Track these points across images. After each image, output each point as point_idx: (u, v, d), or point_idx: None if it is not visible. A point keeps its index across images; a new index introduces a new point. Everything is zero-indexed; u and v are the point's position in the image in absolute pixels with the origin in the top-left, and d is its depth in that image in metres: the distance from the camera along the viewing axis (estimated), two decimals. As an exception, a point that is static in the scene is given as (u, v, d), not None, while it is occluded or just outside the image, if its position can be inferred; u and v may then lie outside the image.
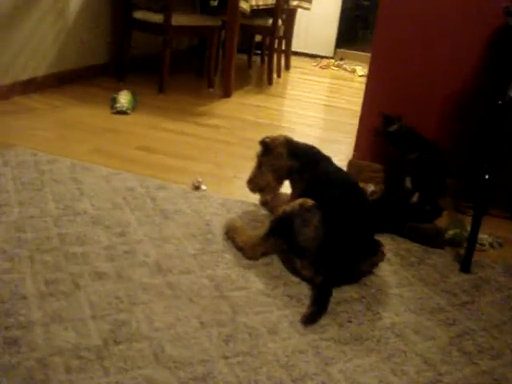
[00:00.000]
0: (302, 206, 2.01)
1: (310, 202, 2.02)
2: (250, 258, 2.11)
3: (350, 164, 3.05)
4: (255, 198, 2.56)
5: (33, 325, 1.62)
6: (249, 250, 2.12)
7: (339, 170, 2.29)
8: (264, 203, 2.56)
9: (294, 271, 2.04)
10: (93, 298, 1.76)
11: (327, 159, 2.30)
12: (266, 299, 1.88)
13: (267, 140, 2.36)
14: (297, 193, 2.25)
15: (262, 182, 2.37)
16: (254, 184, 2.40)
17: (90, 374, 1.47)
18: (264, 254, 2.13)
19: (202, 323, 1.71)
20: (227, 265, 2.04)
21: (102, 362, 1.51)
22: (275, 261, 2.11)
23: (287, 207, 2.05)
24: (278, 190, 2.43)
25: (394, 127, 2.71)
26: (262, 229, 2.12)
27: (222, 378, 1.51)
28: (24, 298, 1.73)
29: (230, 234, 2.23)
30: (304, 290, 1.95)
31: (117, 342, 1.59)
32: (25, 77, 3.87)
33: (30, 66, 3.90)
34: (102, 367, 1.49)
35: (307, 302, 1.88)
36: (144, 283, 1.86)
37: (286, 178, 2.36)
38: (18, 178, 2.53)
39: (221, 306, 1.80)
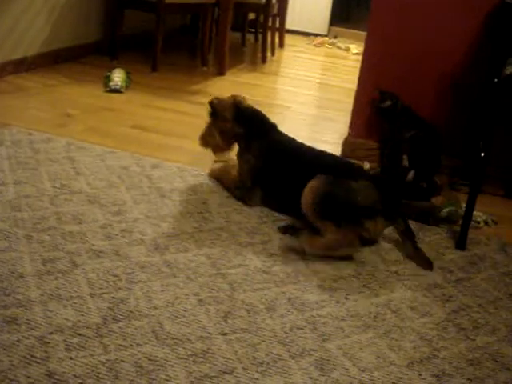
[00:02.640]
0: None
1: None
2: (238, 199, 2.30)
3: (345, 142, 3.05)
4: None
5: (31, 303, 1.62)
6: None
7: (292, 139, 2.37)
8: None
9: None
10: (91, 275, 1.77)
11: (274, 127, 2.37)
12: (264, 276, 1.89)
13: (215, 101, 2.41)
14: (246, 165, 2.34)
15: (211, 141, 2.45)
16: (204, 141, 2.48)
17: (90, 352, 1.47)
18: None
19: (200, 300, 1.72)
20: (224, 242, 2.05)
21: (101, 340, 1.52)
22: (273, 239, 2.12)
23: None
24: (227, 150, 2.50)
25: (388, 103, 2.71)
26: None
27: (220, 354, 1.52)
28: (22, 276, 1.73)
29: (217, 175, 2.39)
30: (301, 268, 1.96)
31: (116, 320, 1.59)
32: (17, 56, 3.83)
33: (22, 45, 3.85)
34: (102, 344, 1.50)
35: (304, 279, 1.90)
36: (142, 261, 1.87)
37: (234, 142, 2.43)
38: (14, 157, 2.51)
39: (218, 283, 1.81)
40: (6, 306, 1.60)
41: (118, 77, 3.73)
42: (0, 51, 3.69)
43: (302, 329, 1.67)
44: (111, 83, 3.68)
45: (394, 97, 2.71)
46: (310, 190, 2.09)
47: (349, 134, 3.06)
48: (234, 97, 2.42)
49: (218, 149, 2.49)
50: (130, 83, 3.81)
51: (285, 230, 2.18)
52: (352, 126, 3.06)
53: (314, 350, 1.59)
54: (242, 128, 2.35)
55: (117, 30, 4.47)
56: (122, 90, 3.68)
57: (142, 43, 4.99)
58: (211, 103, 2.41)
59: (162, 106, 3.52)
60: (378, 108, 2.76)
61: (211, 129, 2.43)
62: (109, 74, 3.77)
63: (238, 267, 1.91)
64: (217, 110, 2.39)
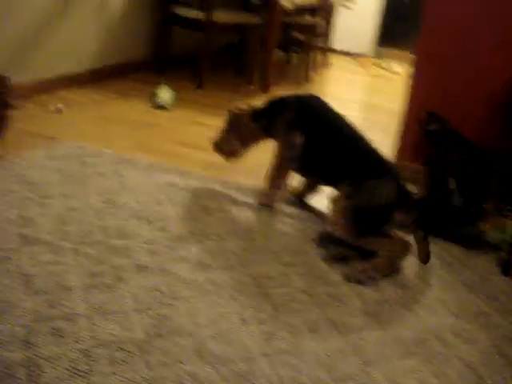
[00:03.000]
0: None
1: None
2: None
3: (390, 164, 3.02)
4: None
5: (77, 316, 1.64)
6: None
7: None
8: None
9: None
10: (135, 291, 1.78)
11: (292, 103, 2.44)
12: (307, 298, 1.88)
13: (235, 111, 2.57)
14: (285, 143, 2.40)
15: (226, 147, 2.60)
16: (218, 148, 2.62)
17: (133, 367, 1.48)
18: None
19: (243, 320, 1.72)
20: (268, 262, 2.05)
21: (144, 356, 1.53)
22: (316, 260, 2.11)
23: None
24: (241, 155, 2.63)
25: (435, 126, 2.68)
26: None
27: (263, 375, 1.52)
28: (68, 289, 1.76)
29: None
30: (344, 290, 1.94)
31: (159, 336, 1.60)
32: (68, 71, 3.93)
33: (74, 61, 3.95)
34: (145, 361, 1.51)
35: (348, 301, 1.88)
36: (186, 278, 1.88)
37: (252, 144, 2.58)
38: (62, 170, 2.57)
39: (262, 303, 1.81)
40: (52, 318, 1.62)
41: (164, 94, 3.79)
42: (52, 67, 3.79)
43: (344, 352, 1.65)
44: (158, 100, 3.74)
45: (441, 119, 2.67)
46: (337, 214, 2.11)
47: (394, 156, 3.04)
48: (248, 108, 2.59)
49: (234, 153, 2.61)
50: (176, 100, 3.86)
51: (335, 259, 2.14)
52: (398, 148, 3.04)
53: (356, 375, 1.57)
54: (262, 120, 2.49)
55: (165, 47, 4.55)
56: (168, 106, 3.73)
57: (188, 61, 5.06)
58: (231, 112, 2.58)
59: (207, 123, 3.56)
60: (424, 130, 2.72)
61: (228, 135, 2.58)
62: (155, 90, 3.83)
63: (281, 287, 1.91)
64: (237, 116, 2.54)
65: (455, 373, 1.64)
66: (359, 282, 2.01)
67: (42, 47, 3.69)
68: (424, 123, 2.72)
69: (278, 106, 2.48)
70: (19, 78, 3.47)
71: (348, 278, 2.02)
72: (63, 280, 1.80)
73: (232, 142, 2.56)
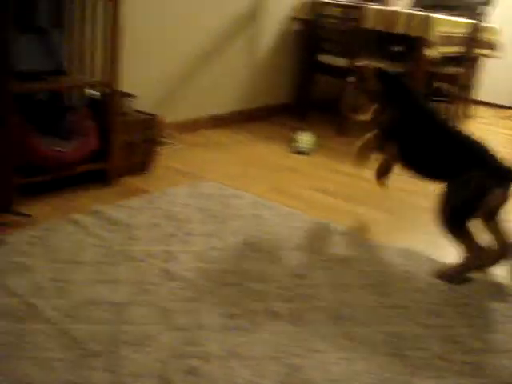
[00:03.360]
0: None
1: None
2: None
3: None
4: (433, 250, 2.50)
5: (212, 357, 1.66)
6: None
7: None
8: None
9: None
10: (270, 338, 1.78)
11: (413, 92, 2.58)
12: (443, 364, 1.78)
13: (360, 66, 2.68)
14: (388, 117, 2.54)
15: (357, 102, 2.66)
16: (348, 106, 2.75)
17: (264, 416, 1.48)
18: None
19: (380, 380, 1.66)
20: (405, 321, 1.97)
21: (276, 406, 1.52)
22: (456, 324, 2.00)
23: None
24: (370, 109, 2.65)
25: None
26: None
27: None
28: (204, 328, 1.79)
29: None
30: (484, 359, 1.83)
31: (291, 387, 1.59)
32: (213, 112, 4.09)
33: (219, 102, 4.11)
34: (276, 411, 1.50)
35: (487, 373, 1.76)
36: (321, 330, 1.85)
37: (376, 101, 2.60)
38: (205, 209, 2.65)
39: (397, 365, 1.74)
40: (188, 356, 1.66)
41: (304, 139, 3.83)
42: (198, 106, 3.97)
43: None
44: (298, 145, 3.79)
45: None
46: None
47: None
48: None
49: (363, 108, 2.66)
50: (316, 146, 3.89)
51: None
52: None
53: None
54: (384, 86, 2.55)
55: (307, 93, 4.62)
56: (307, 152, 3.77)
57: (330, 107, 5.10)
58: (357, 68, 2.68)
59: (346, 171, 3.54)
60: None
61: (355, 91, 2.66)
62: (296, 135, 3.88)
63: (417, 350, 1.83)
64: (364, 71, 2.61)
65: None
66: (450, 280, 2.27)
67: (190, 89, 3.88)
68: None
69: (399, 87, 2.58)
70: (167, 117, 3.66)
71: (440, 276, 2.28)
72: (201, 318, 1.83)
73: (361, 97, 2.64)
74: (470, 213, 2.24)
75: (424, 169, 2.48)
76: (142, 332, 1.73)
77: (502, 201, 2.24)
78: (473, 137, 2.41)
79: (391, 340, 1.86)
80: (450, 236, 2.26)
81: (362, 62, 2.74)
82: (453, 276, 2.28)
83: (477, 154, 2.34)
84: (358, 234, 2.62)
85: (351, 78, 2.67)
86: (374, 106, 2.61)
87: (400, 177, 3.47)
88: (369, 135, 2.77)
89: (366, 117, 2.69)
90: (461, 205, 2.26)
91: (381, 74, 2.58)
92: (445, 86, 5.62)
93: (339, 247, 2.46)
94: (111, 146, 2.79)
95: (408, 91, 2.56)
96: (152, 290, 1.96)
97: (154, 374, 1.57)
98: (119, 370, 1.57)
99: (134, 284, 1.98)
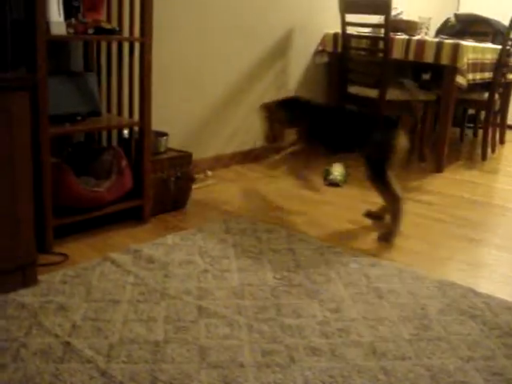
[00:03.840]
0: None
1: None
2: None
3: None
4: (472, 282, 2.46)
5: (250, 394, 1.66)
6: None
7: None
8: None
9: None
10: (307, 373, 1.77)
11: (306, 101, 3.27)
12: (487, 397, 1.74)
13: (266, 104, 3.25)
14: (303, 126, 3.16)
15: (273, 132, 3.22)
16: (268, 137, 3.26)
17: None
18: None
19: (420, 417, 1.63)
20: (444, 354, 1.94)
21: None
22: (497, 355, 1.96)
23: None
24: (283, 134, 3.26)
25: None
26: None
27: None
28: (242, 366, 1.78)
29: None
30: (530, 393, 1.78)
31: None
32: (244, 148, 4.13)
33: (249, 139, 4.15)
34: None
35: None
36: (358, 365, 1.83)
37: (287, 124, 3.20)
38: (239, 244, 2.66)
39: (439, 399, 1.71)
40: (226, 393, 1.65)
41: (336, 171, 3.83)
42: (230, 143, 4.02)
43: None
44: (330, 177, 3.79)
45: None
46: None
47: None
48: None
49: (279, 135, 3.24)
50: (348, 177, 3.89)
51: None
52: None
53: None
54: (287, 111, 3.16)
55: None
56: (340, 183, 3.77)
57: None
58: (263, 106, 3.23)
59: (378, 202, 3.52)
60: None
61: (270, 124, 3.20)
62: (328, 167, 3.88)
63: (458, 384, 1.79)
64: (269, 107, 3.20)
65: None
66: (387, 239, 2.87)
67: (220, 127, 3.93)
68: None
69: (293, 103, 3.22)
70: (200, 154, 3.71)
71: (380, 239, 2.90)
72: (237, 355, 1.83)
73: (275, 127, 3.19)
74: (389, 160, 2.80)
75: (337, 145, 3.09)
76: (180, 371, 1.73)
77: (403, 141, 2.81)
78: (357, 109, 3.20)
79: (430, 374, 1.82)
80: (380, 191, 2.90)
81: (265, 102, 3.30)
82: (389, 234, 2.89)
83: (370, 119, 3.00)
84: (394, 266, 2.59)
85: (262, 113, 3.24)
86: (289, 129, 3.22)
87: (433, 206, 3.45)
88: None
89: (281, 142, 3.29)
90: (383, 157, 2.80)
91: (280, 103, 3.18)
92: (479, 112, 5.59)
93: (376, 280, 2.43)
94: (145, 184, 2.83)
95: (307, 102, 3.22)
96: (189, 328, 1.96)
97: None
98: (158, 410, 1.57)
99: (171, 322, 1.99)
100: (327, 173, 3.85)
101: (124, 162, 2.76)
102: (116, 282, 2.24)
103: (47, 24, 2.33)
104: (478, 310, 2.24)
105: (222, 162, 3.98)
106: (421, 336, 2.03)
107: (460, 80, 4.17)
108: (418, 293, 2.35)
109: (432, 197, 3.75)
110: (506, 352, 1.98)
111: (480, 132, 5.51)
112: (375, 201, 3.52)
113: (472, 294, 2.37)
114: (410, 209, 3.44)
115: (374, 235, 2.97)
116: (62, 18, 2.42)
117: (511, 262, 2.75)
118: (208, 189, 3.52)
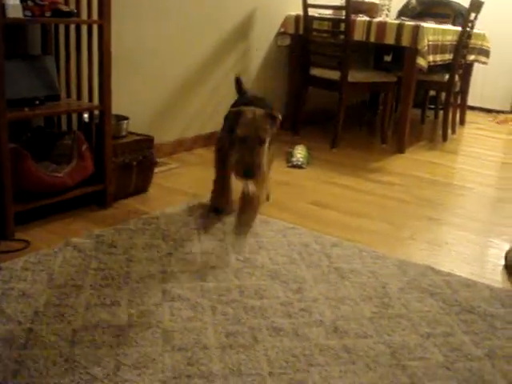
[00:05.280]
0: None
1: None
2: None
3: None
4: (432, 261, 2.51)
5: (213, 376, 1.67)
6: None
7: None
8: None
9: None
10: (270, 353, 1.79)
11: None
12: (446, 372, 1.79)
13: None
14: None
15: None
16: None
17: (268, 433, 1.48)
18: None
19: (380, 393, 1.67)
20: (404, 331, 1.98)
21: (279, 422, 1.52)
22: (456, 332, 2.01)
23: None
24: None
25: None
26: None
27: None
28: (206, 347, 1.79)
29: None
30: (487, 368, 1.83)
31: (294, 403, 1.59)
32: (206, 131, 4.12)
33: (211, 122, 4.14)
34: (280, 427, 1.50)
35: (490, 380, 1.77)
36: (320, 344, 1.86)
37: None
38: (202, 227, 2.67)
39: (398, 375, 1.75)
40: (190, 376, 1.66)
41: (299, 153, 3.85)
42: (192, 127, 4.00)
43: None
44: (293, 159, 3.81)
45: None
46: None
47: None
48: None
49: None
50: (310, 159, 3.92)
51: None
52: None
53: None
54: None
55: (300, 106, 4.66)
56: (303, 165, 3.79)
57: (322, 119, 5.13)
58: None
59: (342, 183, 3.56)
60: None
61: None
62: (291, 150, 3.90)
63: (418, 360, 1.83)
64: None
65: None
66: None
67: (182, 110, 3.91)
68: None
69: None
70: (162, 138, 3.69)
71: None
72: (201, 337, 1.84)
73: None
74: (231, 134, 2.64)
75: None
76: (144, 354, 1.74)
77: (253, 118, 2.64)
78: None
79: (391, 351, 1.86)
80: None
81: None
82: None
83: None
84: (355, 246, 2.63)
85: None
86: None
87: (394, 187, 3.50)
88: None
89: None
90: (226, 131, 2.75)
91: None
92: (440, 94, 5.66)
93: (337, 260, 2.46)
94: (107, 168, 2.81)
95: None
96: (152, 312, 1.97)
97: (156, 395, 1.58)
98: (122, 393, 1.57)
99: (134, 306, 1.99)
100: (290, 155, 3.86)
101: (84, 147, 2.73)
102: (78, 268, 2.23)
103: (3, 7, 2.28)
104: (438, 288, 2.29)
105: (184, 145, 3.96)
106: (382, 314, 2.08)
107: (421, 62, 4.21)
108: (378, 272, 2.39)
109: (393, 177, 3.80)
110: (465, 328, 2.03)
111: (441, 113, 5.58)
112: (338, 182, 3.56)
113: (431, 272, 2.42)
114: (372, 190, 3.49)
115: (336, 216, 3.00)
116: (18, 1, 2.37)
117: (470, 241, 2.82)
118: (171, 172, 3.51)
